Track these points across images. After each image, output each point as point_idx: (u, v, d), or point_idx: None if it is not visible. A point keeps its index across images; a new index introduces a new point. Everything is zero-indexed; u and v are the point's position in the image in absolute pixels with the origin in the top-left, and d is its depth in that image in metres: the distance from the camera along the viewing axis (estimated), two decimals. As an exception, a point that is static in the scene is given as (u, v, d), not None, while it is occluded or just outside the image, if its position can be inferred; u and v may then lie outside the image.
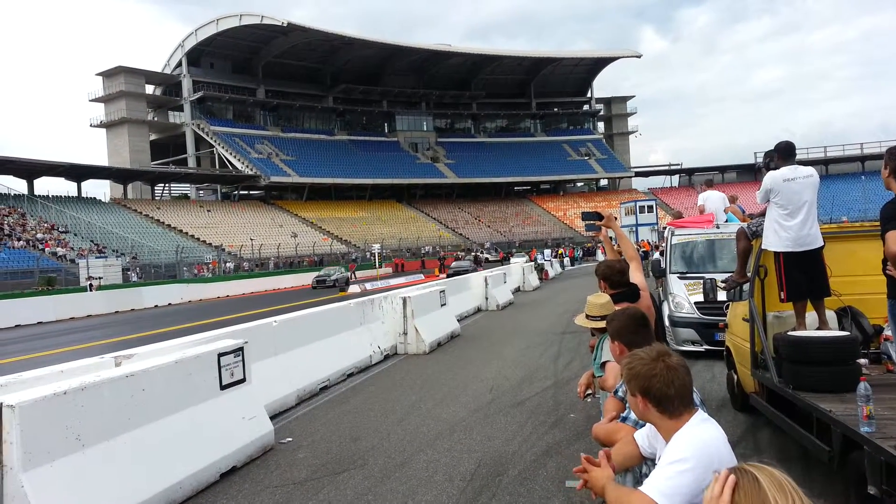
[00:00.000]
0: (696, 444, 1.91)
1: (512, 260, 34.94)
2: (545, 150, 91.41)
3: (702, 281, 8.45)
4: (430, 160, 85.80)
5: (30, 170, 52.69)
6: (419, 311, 11.24)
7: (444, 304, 12.99)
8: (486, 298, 18.29)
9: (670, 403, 2.01)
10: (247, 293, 38.48)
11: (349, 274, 41.56)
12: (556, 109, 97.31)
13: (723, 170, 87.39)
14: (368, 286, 33.62)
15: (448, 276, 27.87)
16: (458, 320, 14.24)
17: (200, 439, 5.07)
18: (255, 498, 4.75)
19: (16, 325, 24.78)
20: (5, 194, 50.95)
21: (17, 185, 53.05)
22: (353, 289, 32.74)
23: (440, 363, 10.10)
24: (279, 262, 53.72)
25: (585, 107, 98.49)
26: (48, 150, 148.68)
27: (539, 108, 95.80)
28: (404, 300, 11.13)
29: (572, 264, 49.27)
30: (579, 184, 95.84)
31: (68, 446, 4.05)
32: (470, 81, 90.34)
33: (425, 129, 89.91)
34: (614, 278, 3.75)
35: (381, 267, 53.95)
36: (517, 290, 24.08)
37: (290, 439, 6.16)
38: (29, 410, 3.84)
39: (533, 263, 30.52)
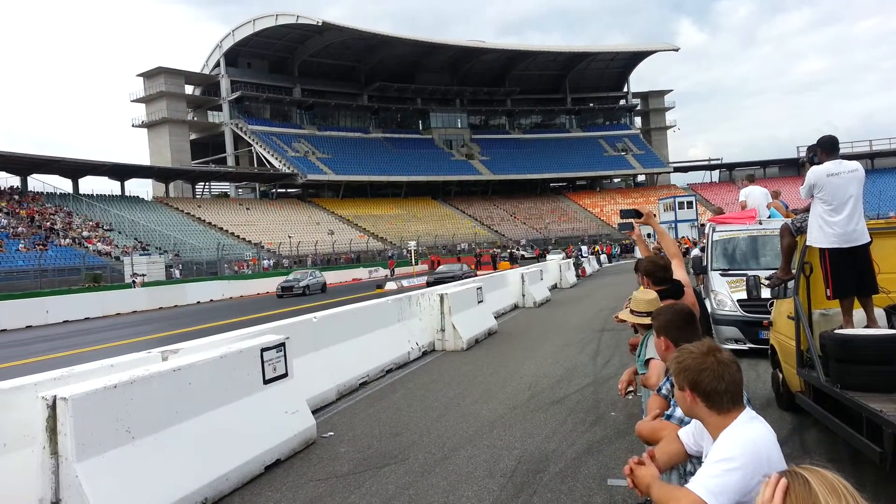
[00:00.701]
0: (745, 443, 1.88)
1: (548, 257, 34.68)
2: (581, 146, 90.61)
3: (745, 278, 8.32)
4: (465, 157, 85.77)
5: (75, 169, 54.22)
6: (456, 307, 11.27)
7: (481, 301, 12.99)
8: (523, 295, 18.23)
9: (720, 399, 1.98)
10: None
11: (387, 272, 41.47)
12: (591, 105, 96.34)
13: (765, 164, 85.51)
14: (405, 283, 33.82)
15: (428, 285, 23.73)
16: (495, 317, 14.23)
17: (245, 432, 5.17)
18: (299, 490, 4.83)
19: (64, 321, 25.56)
20: (52, 193, 52.53)
21: (63, 185, 54.70)
22: (390, 285, 32.94)
23: (478, 360, 10.11)
24: (316, 259, 54.36)
25: (622, 101, 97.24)
26: (92, 149, 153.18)
27: (574, 104, 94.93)
28: (441, 297, 11.17)
29: (609, 261, 48.80)
30: (616, 180, 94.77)
31: (119, 438, 4.17)
32: (504, 78, 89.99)
33: (459, 125, 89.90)
34: (658, 274, 3.70)
35: (417, 264, 54.28)
36: (554, 287, 23.94)
37: (331, 433, 6.24)
38: (81, 403, 3.96)
39: (571, 260, 30.28)
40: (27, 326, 24.29)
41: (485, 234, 73.63)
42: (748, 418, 1.98)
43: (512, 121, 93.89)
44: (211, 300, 33.37)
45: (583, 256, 37.20)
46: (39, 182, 52.57)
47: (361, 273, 48.40)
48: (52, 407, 3.92)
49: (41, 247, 40.16)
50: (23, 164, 50.27)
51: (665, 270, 3.73)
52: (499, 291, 16.87)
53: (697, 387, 2.01)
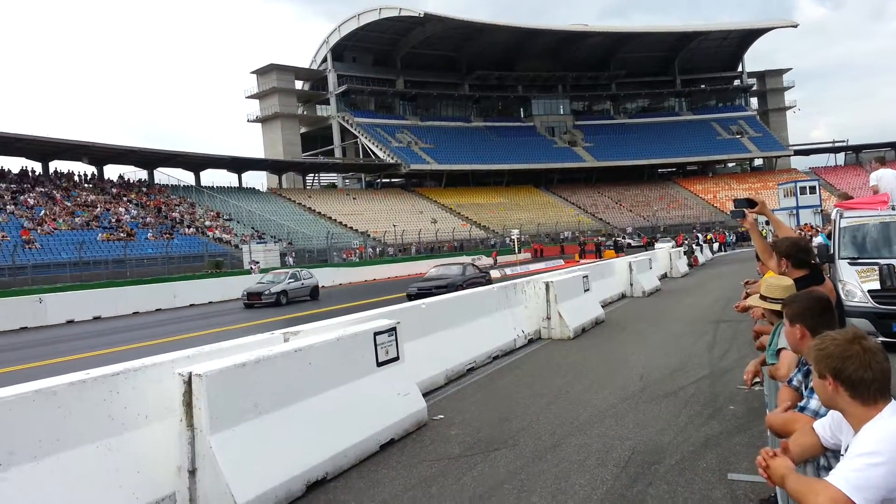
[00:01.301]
0: (892, 437, 1.76)
1: (657, 245, 33.56)
2: (692, 130, 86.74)
3: (877, 267, 7.71)
4: (568, 144, 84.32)
5: (197, 163, 57.85)
6: (562, 296, 11.13)
7: (588, 290, 12.76)
8: (631, 284, 17.74)
9: (866, 389, 1.87)
10: (391, 277, 40.02)
11: (490, 260, 41.03)
12: (703, 86, 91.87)
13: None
14: (508, 271, 33.80)
15: (410, 298, 16.12)
16: (602, 306, 13.94)
17: (361, 412, 5.36)
18: (413, 469, 4.95)
19: (190, 305, 27.44)
20: (176, 185, 56.31)
21: (186, 178, 58.52)
22: (494, 273, 33.02)
23: (585, 349, 9.95)
24: (420, 247, 55.35)
25: (736, 82, 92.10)
26: (212, 144, 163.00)
27: (684, 86, 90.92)
28: (547, 285, 11.06)
29: (722, 250, 46.57)
30: (730, 164, 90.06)
31: (247, 413, 4.42)
32: (608, 61, 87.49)
33: (562, 112, 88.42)
34: (799, 256, 3.42)
35: (520, 252, 54.09)
36: (664, 276, 23.15)
37: (441, 417, 6.35)
38: (214, 379, 4.23)
39: (682, 248, 29.12)
40: (157, 309, 26.23)
41: (588, 223, 72.22)
42: (895, 411, 1.85)
43: (617, 105, 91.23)
44: (322, 286, 34.76)
45: (697, 244, 35.66)
46: (165, 175, 56.53)
47: (465, 261, 48.90)
48: (188, 382, 4.21)
49: (168, 236, 43.18)
50: (150, 159, 54.18)
51: (806, 252, 3.47)
52: (605, 280, 16.50)
53: (841, 375, 1.90)
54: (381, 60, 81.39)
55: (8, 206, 40.13)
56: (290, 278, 25.08)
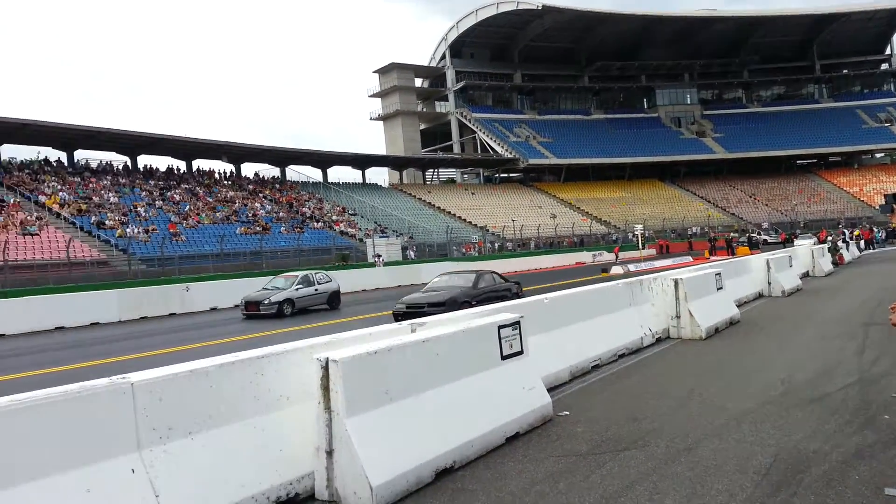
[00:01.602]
0: None
1: (796, 242, 31.19)
2: (834, 118, 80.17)
3: None
4: (696, 135, 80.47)
5: (324, 160, 60.55)
6: (692, 294, 10.63)
7: (721, 288, 12.12)
8: (769, 283, 16.63)
9: None
10: (510, 272, 40.00)
11: (612, 256, 40.15)
12: (845, 71, 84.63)
13: None
14: (632, 268, 32.81)
15: (397, 319, 13.82)
16: (737, 306, 13.20)
17: (487, 404, 5.40)
18: (540, 464, 4.92)
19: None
20: (306, 182, 59.25)
21: (314, 174, 61.40)
22: (616, 270, 32.19)
23: (719, 350, 9.46)
24: (539, 242, 54.91)
25: (884, 66, 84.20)
26: (337, 141, 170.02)
27: (824, 71, 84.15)
28: (676, 282, 10.61)
29: (868, 247, 42.73)
30: (879, 154, 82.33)
31: (380, 399, 4.57)
32: (739, 47, 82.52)
33: (689, 101, 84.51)
34: None
35: (643, 248, 52.33)
36: (805, 275, 21.56)
37: (567, 413, 6.26)
38: (349, 365, 4.41)
39: (825, 245, 27.00)
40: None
41: (719, 217, 68.64)
42: None
43: (749, 93, 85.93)
44: (441, 279, 35.51)
45: (843, 241, 32.93)
46: (295, 172, 59.68)
47: (585, 257, 48.06)
48: (325, 367, 4.41)
49: (298, 229, 45.55)
50: (282, 157, 57.33)
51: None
52: (740, 278, 15.59)
53: None
54: (498, 55, 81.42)
55: (157, 202, 43.89)
56: (299, 283, 21.07)
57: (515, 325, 6.17)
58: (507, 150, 72.54)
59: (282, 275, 22.95)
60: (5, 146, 43.39)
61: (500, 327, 5.99)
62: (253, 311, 20.00)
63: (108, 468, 3.56)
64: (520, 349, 6.12)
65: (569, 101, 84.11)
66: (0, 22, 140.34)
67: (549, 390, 6.76)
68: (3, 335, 19.89)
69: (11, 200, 36.73)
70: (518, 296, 15.30)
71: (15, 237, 32.03)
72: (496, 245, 53.16)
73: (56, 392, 3.53)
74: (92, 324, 21.85)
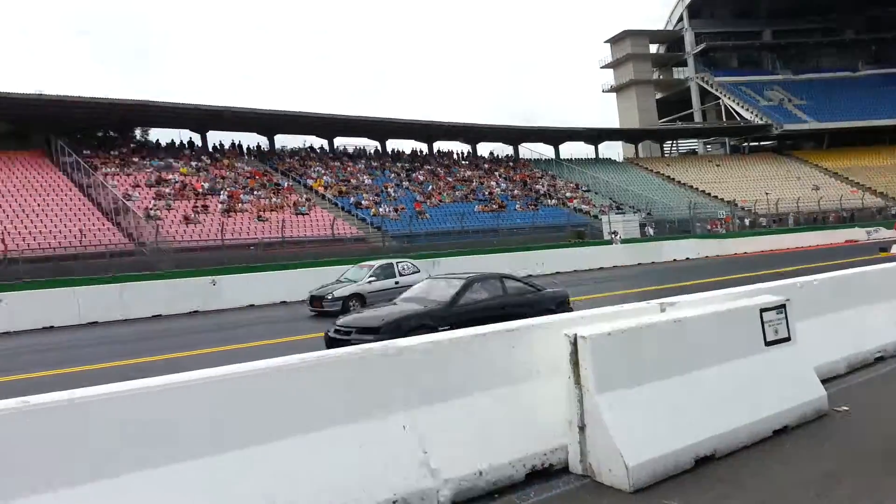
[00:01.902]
0: None
1: None
2: None
3: None
4: None
5: (556, 136, 60.38)
6: None
7: None
8: None
9: None
10: (765, 251, 36.67)
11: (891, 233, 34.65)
12: None
13: None
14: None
15: (328, 344, 9.79)
16: None
17: (750, 392, 5.00)
18: (814, 462, 4.45)
19: (555, 272, 28.86)
20: (538, 159, 59.67)
21: (546, 151, 61.55)
22: None
23: None
24: (799, 217, 49.42)
25: None
26: (568, 116, 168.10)
27: None
28: None
29: None
30: None
31: (630, 377, 4.47)
32: None
33: None
34: None
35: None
36: None
37: (845, 408, 5.56)
38: (597, 342, 4.38)
39: None
40: (528, 275, 28.24)
41: None
42: None
43: None
44: (687, 258, 33.76)
45: None
46: (528, 150, 60.37)
47: (857, 234, 42.26)
48: (574, 343, 4.42)
49: (533, 207, 46.16)
50: (515, 135, 58.35)
51: None
52: None
53: None
54: (742, 12, 73.99)
55: (403, 183, 47.35)
56: (373, 275, 18.01)
57: (780, 308, 5.63)
58: (756, 116, 66.02)
59: (359, 264, 19.68)
60: (277, 136, 49.78)
61: (762, 310, 5.51)
62: (318, 307, 17.30)
63: (381, 425, 3.95)
64: (787, 335, 5.58)
65: (831, 57, 73.95)
66: (275, 24, 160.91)
67: (823, 382, 6.07)
68: (286, 302, 22.67)
69: (285, 184, 42.16)
70: (560, 311, 9.88)
71: (290, 216, 36.74)
72: (747, 221, 48.91)
73: (340, 353, 4.03)
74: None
